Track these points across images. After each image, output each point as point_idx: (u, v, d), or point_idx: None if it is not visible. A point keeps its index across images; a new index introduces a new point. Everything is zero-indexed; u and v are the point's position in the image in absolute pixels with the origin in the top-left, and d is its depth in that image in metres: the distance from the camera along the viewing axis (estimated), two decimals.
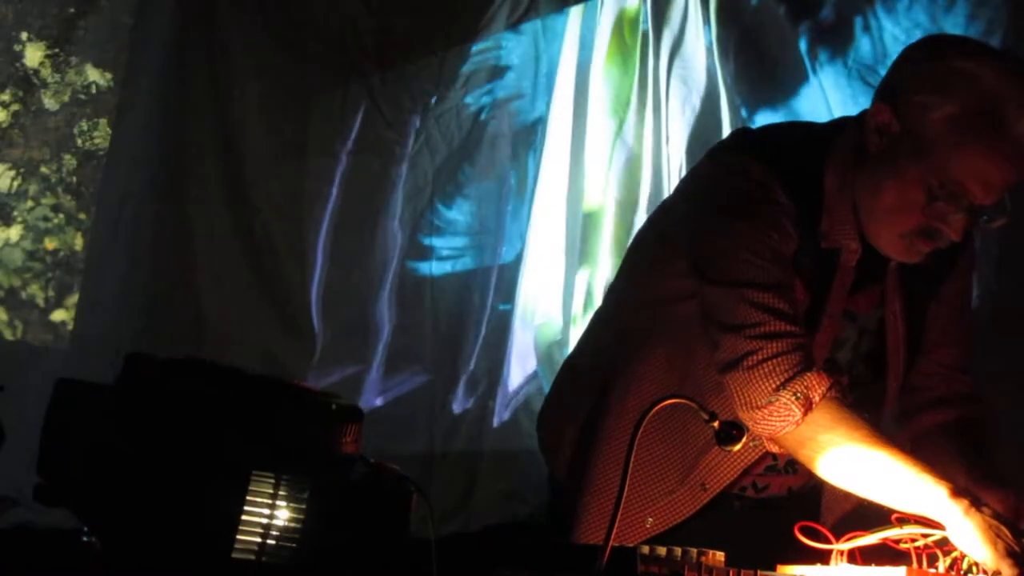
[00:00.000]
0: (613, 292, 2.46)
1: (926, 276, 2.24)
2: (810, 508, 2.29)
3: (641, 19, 4.55)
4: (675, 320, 2.23)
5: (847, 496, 2.13)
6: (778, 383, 2.01)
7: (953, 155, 2.00)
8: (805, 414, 2.01)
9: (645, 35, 4.53)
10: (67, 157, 5.88)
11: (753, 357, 2.03)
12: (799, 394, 2.01)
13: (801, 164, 2.14)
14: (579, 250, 4.60)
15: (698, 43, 4.37)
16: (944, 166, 2.00)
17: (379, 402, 4.94)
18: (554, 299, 4.62)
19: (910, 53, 2.15)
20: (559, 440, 2.40)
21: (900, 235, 2.09)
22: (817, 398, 2.01)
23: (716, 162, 2.23)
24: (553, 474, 2.44)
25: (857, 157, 2.12)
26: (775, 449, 2.18)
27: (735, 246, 2.09)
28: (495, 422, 4.60)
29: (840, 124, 2.23)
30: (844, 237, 2.14)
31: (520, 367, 4.64)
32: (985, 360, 2.54)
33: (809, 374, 2.02)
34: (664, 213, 2.37)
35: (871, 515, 2.02)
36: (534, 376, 4.62)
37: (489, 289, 4.79)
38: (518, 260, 4.74)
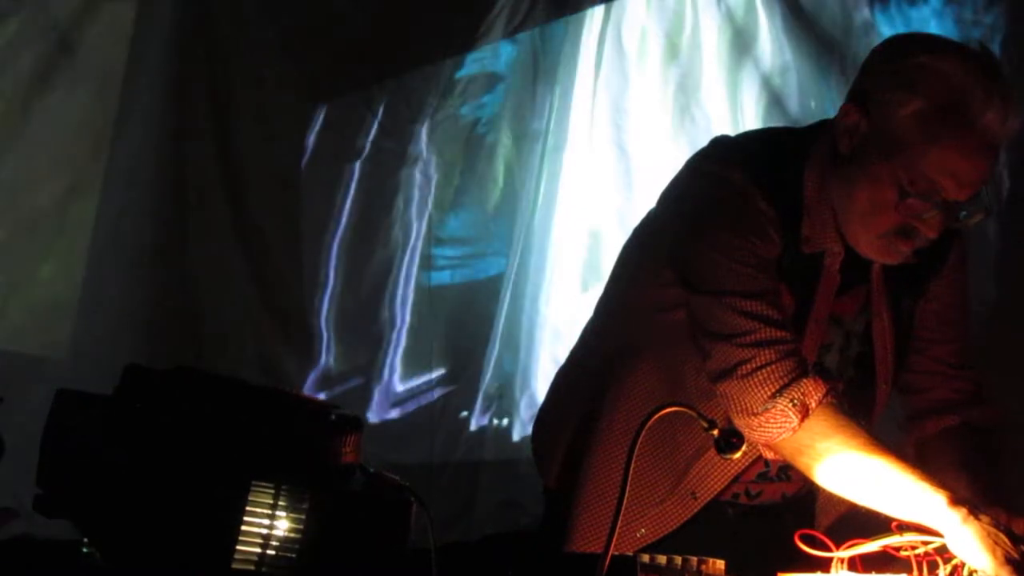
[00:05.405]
0: (603, 302, 2.46)
1: (913, 275, 2.23)
2: (805, 512, 2.29)
3: (642, 26, 4.56)
4: (663, 329, 2.23)
5: (841, 499, 2.13)
6: (774, 390, 2.01)
7: (921, 151, 2.00)
8: (802, 420, 2.01)
9: (646, 42, 4.53)
10: None
11: (747, 366, 2.03)
12: (796, 400, 2.01)
13: (780, 169, 2.14)
14: (587, 260, 4.59)
15: (697, 49, 4.38)
16: (913, 162, 2.00)
17: (387, 414, 4.94)
18: (565, 309, 4.61)
19: (876, 54, 2.16)
20: (551, 450, 2.40)
21: (878, 235, 2.09)
22: (814, 404, 2.01)
23: (695, 171, 2.23)
24: (546, 483, 2.44)
25: (833, 160, 2.13)
26: (770, 455, 2.18)
27: (719, 255, 2.09)
28: (514, 434, 4.58)
29: (819, 126, 2.23)
30: (826, 240, 2.14)
31: (533, 377, 4.63)
32: (987, 365, 2.53)
33: (805, 380, 2.02)
34: (648, 223, 2.37)
35: (865, 517, 2.02)
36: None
37: (492, 298, 4.79)
38: (521, 269, 4.74)
